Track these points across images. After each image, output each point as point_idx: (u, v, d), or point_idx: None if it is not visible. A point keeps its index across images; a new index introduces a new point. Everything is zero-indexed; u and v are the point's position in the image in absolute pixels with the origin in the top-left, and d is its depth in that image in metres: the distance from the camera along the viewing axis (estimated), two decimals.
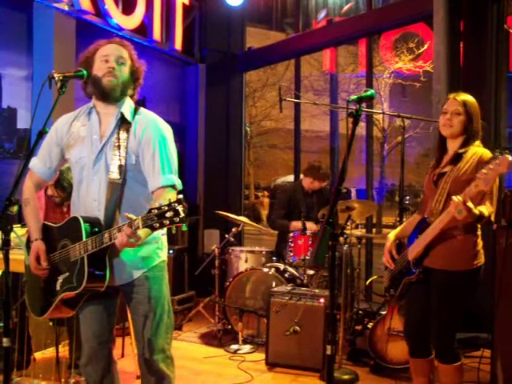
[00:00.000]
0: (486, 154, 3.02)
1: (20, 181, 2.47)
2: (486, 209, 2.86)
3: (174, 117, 7.75)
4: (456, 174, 3.03)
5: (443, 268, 3.04)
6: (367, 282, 5.42)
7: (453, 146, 3.15)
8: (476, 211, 2.77)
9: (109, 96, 2.66)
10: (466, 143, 3.09)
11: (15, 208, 2.42)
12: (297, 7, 7.87)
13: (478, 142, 3.12)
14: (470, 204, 2.72)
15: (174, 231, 2.27)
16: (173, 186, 2.60)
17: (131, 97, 2.77)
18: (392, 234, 3.35)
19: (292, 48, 7.62)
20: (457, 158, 3.08)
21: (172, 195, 2.48)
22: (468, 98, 3.14)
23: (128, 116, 2.68)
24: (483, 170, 2.58)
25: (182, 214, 2.15)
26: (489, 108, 5.06)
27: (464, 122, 3.09)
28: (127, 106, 2.71)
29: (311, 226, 5.38)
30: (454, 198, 2.74)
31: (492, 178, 2.58)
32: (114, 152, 2.62)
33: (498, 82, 5.16)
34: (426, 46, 14.28)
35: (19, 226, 3.72)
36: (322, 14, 15.50)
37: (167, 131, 2.71)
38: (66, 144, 2.75)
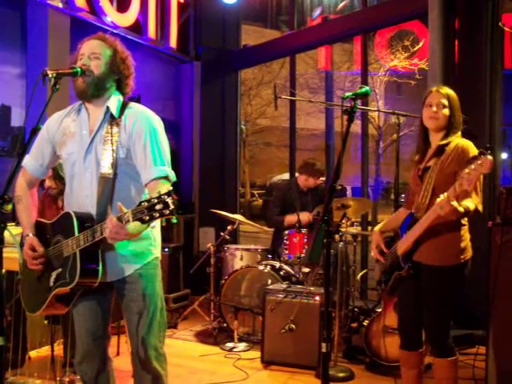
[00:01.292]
0: (467, 144, 3.05)
1: (14, 178, 2.46)
2: (472, 201, 2.88)
3: (169, 115, 7.74)
4: (440, 167, 3.05)
5: (431, 264, 3.06)
6: (358, 277, 5.41)
7: (435, 139, 3.16)
8: (461, 209, 2.78)
9: (83, 94, 2.64)
10: (448, 136, 3.11)
11: (9, 206, 2.40)
12: (292, 5, 7.85)
13: (459, 133, 3.14)
14: (454, 203, 2.74)
15: (163, 224, 2.26)
16: (166, 178, 2.58)
17: (122, 90, 2.74)
18: (377, 228, 3.38)
19: (287, 46, 7.61)
20: (440, 150, 3.10)
21: (165, 187, 2.46)
22: (450, 91, 3.17)
23: (114, 110, 2.66)
24: (466, 170, 2.59)
25: (172, 206, 2.15)
26: (484, 105, 5.07)
27: (448, 114, 3.11)
28: (114, 100, 2.69)
29: (304, 217, 5.37)
30: (440, 196, 2.76)
31: (474, 177, 2.59)
32: (105, 147, 2.61)
33: (493, 79, 5.16)
34: (421, 44, 14.30)
35: (13, 224, 3.70)
36: (317, 12, 15.49)
37: (158, 123, 2.69)
38: (57, 141, 2.75)
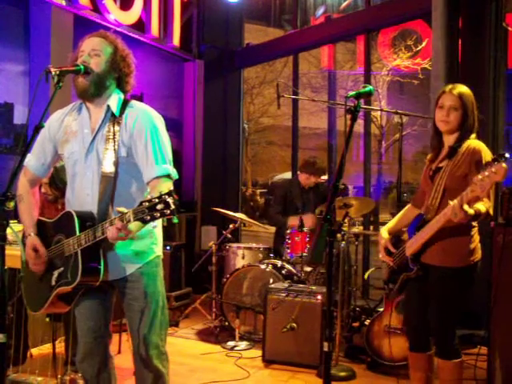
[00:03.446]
0: (479, 146, 3.00)
1: (16, 176, 2.46)
2: (484, 204, 2.82)
3: (172, 113, 7.73)
4: (451, 168, 3.02)
5: (440, 265, 3.03)
6: (366, 276, 5.40)
7: (448, 140, 3.12)
8: (471, 211, 2.74)
9: (84, 93, 2.63)
10: (462, 138, 3.05)
11: (12, 203, 2.40)
12: (295, 4, 7.84)
13: (473, 136, 3.08)
14: (465, 207, 2.70)
15: (164, 223, 2.26)
16: (168, 176, 2.59)
17: (122, 88, 2.73)
18: (384, 230, 3.33)
19: (290, 45, 7.61)
20: (452, 152, 3.06)
21: (167, 185, 2.47)
22: (463, 89, 3.08)
23: (114, 109, 2.65)
24: (479, 176, 2.54)
25: (173, 206, 2.15)
26: (487, 105, 5.06)
27: (461, 116, 3.04)
28: (114, 98, 2.69)
29: (307, 221, 5.35)
30: (450, 202, 2.72)
31: (488, 184, 2.53)
32: (106, 145, 2.61)
33: (497, 79, 5.15)
34: (424, 44, 14.25)
35: (16, 221, 3.70)
36: (321, 11, 15.47)
37: (159, 121, 2.69)
38: (58, 140, 2.74)
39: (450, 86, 3.12)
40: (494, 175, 2.49)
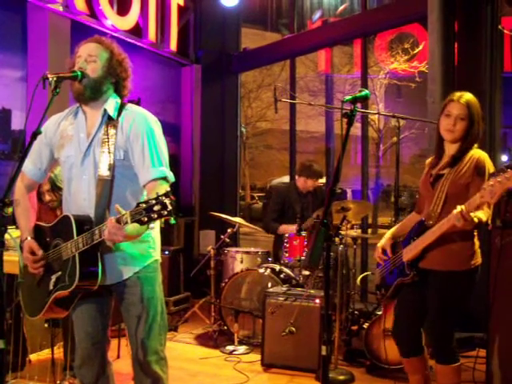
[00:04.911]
0: (483, 156, 3.00)
1: (14, 182, 2.46)
2: (484, 214, 2.83)
3: (170, 118, 7.75)
4: (454, 176, 3.01)
5: (441, 269, 3.03)
6: (358, 280, 5.40)
7: (451, 148, 3.10)
8: (475, 219, 2.74)
9: (80, 96, 2.64)
10: (466, 148, 3.04)
11: (10, 209, 2.40)
12: (292, 8, 7.87)
13: (476, 145, 3.07)
14: (472, 214, 2.70)
15: (162, 225, 2.26)
16: (164, 178, 2.59)
17: (119, 92, 2.74)
18: (389, 232, 3.34)
19: (287, 49, 7.63)
20: (455, 160, 3.05)
21: (163, 188, 2.47)
22: (471, 98, 3.06)
23: (111, 112, 2.66)
24: (490, 182, 2.52)
25: (170, 207, 2.15)
26: (483, 108, 5.01)
27: (466, 126, 3.02)
28: (112, 102, 2.69)
29: (292, 228, 5.35)
30: (458, 207, 2.71)
31: (499, 190, 2.51)
32: (102, 149, 2.61)
33: (493, 82, 5.16)
34: (421, 47, 14.31)
35: (14, 227, 3.70)
36: (317, 15, 15.53)
37: (155, 124, 2.70)
38: (55, 144, 2.75)
39: (458, 95, 3.07)
40: (507, 181, 2.48)
